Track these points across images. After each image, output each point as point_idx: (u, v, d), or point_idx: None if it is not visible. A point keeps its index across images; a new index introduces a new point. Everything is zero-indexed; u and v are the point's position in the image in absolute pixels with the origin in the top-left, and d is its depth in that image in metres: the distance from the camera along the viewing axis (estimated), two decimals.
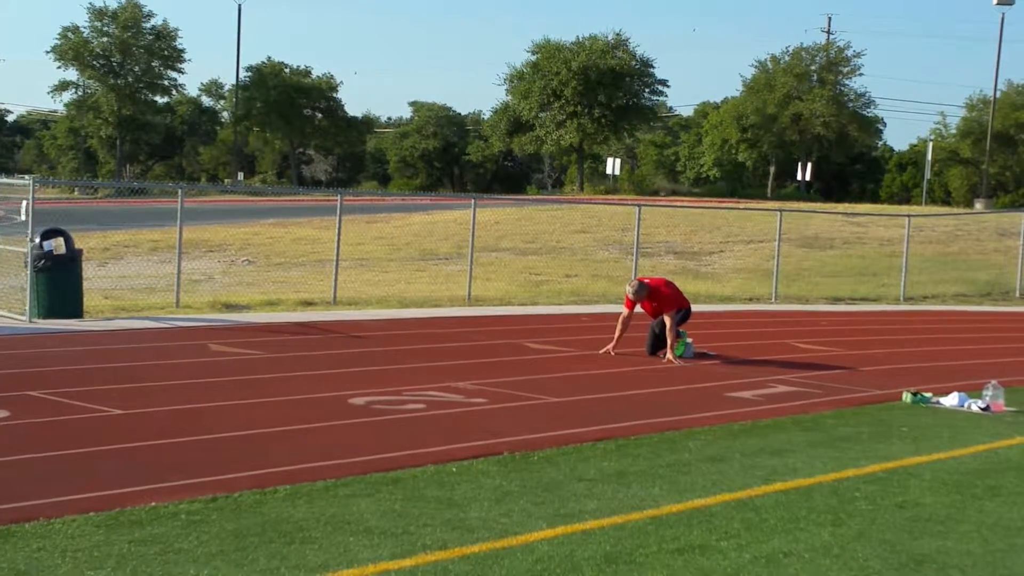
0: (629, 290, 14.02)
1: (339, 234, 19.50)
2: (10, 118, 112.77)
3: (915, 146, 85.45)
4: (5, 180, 17.11)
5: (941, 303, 25.13)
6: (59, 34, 79.86)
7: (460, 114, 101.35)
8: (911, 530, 6.94)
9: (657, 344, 14.12)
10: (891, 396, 12.04)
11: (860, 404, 11.58)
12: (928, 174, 68.78)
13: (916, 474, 8.45)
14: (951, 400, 11.67)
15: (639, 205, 24.18)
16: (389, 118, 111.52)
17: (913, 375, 13.63)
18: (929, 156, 68.14)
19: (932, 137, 79.52)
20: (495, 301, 20.33)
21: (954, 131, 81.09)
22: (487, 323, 17.26)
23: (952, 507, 7.54)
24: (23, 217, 15.68)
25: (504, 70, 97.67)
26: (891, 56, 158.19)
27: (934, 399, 11.78)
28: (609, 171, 77.81)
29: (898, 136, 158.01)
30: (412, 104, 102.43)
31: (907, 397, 11.81)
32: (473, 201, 22.35)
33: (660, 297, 14.00)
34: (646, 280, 14.36)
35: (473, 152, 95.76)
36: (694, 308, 14.90)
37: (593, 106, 78.21)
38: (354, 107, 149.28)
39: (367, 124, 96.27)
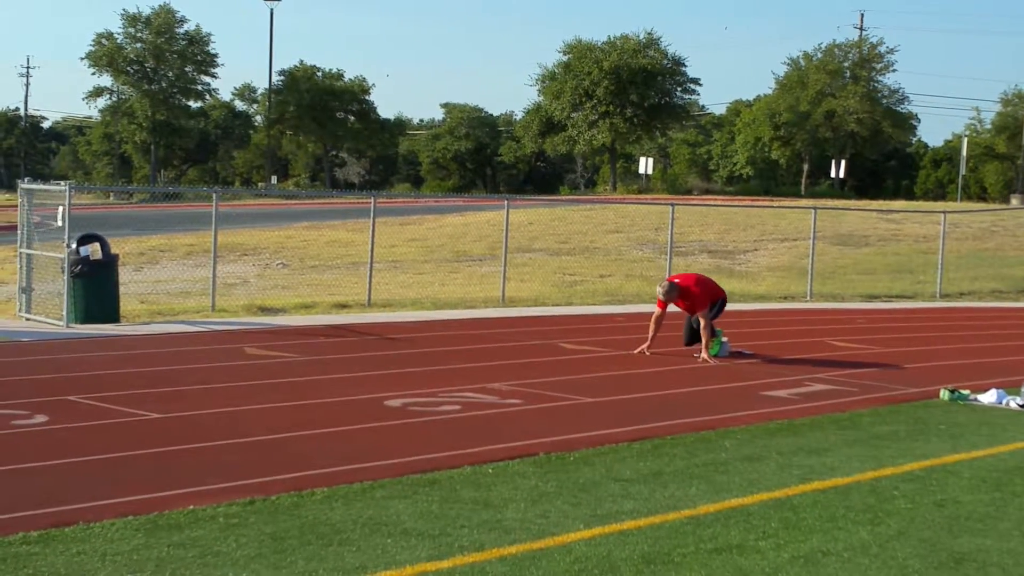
0: (660, 292, 13.99)
1: (373, 236, 19.54)
2: (45, 124, 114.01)
3: (950, 142, 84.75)
4: (41, 186, 17.26)
5: (978, 300, 24.90)
6: (93, 40, 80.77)
7: (492, 115, 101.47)
8: (950, 528, 6.88)
9: (694, 336, 14.10)
10: (928, 394, 11.94)
11: (897, 402, 11.49)
12: (963, 170, 68.17)
13: (955, 472, 8.38)
14: (989, 397, 11.57)
15: (672, 204, 24.10)
16: (421, 120, 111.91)
17: (950, 372, 13.51)
18: (964, 152, 67.52)
19: (967, 133, 78.83)
20: (529, 302, 20.32)
21: (989, 126, 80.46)
22: (521, 324, 17.26)
23: (991, 505, 7.47)
24: (59, 223, 15.82)
25: (536, 70, 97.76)
26: (925, 52, 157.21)
27: (972, 396, 11.68)
28: (642, 170, 77.66)
29: (932, 132, 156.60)
30: (444, 106, 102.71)
31: (945, 395, 11.71)
32: (506, 202, 22.34)
33: (691, 296, 13.97)
34: (676, 280, 14.30)
35: (505, 153, 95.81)
36: (729, 307, 14.84)
37: (625, 105, 78.09)
38: (386, 109, 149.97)
39: (399, 126, 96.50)
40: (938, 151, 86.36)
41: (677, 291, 13.93)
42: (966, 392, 11.76)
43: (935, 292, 24.93)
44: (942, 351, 15.86)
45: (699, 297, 13.94)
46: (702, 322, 13.78)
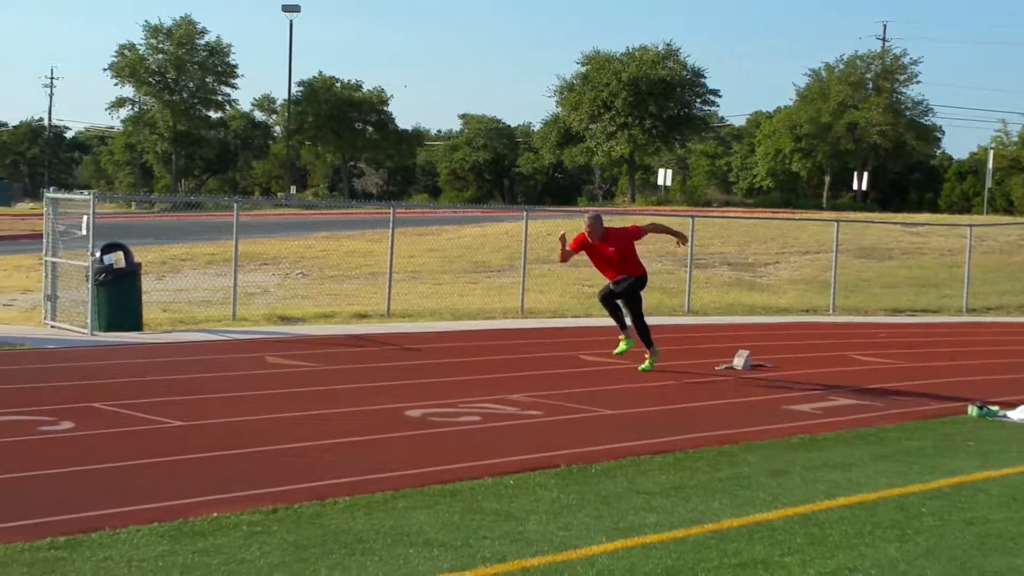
0: (585, 222, 12.62)
1: (392, 246, 19.56)
2: (69, 134, 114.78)
3: (975, 154, 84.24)
4: (66, 196, 17.33)
5: (1005, 315, 24.70)
6: (116, 52, 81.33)
7: (510, 126, 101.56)
8: (981, 547, 6.80)
9: (612, 304, 13.13)
10: (956, 409, 11.84)
11: (924, 418, 11.40)
12: (989, 183, 67.80)
13: (984, 489, 8.29)
14: (1018, 414, 11.44)
15: (693, 216, 24.02)
16: (439, 131, 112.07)
17: (978, 388, 13.39)
18: (990, 164, 67.16)
19: (993, 145, 78.29)
20: (548, 313, 20.28)
21: (1016, 138, 79.84)
22: (541, 335, 17.22)
23: (1023, 523, 7.38)
24: (84, 232, 15.89)
25: (554, 82, 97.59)
26: (949, 63, 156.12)
27: (1001, 413, 11.56)
28: (660, 182, 77.61)
29: (957, 144, 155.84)
30: (462, 117, 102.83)
31: (973, 411, 11.60)
32: (524, 213, 22.34)
33: (623, 247, 12.79)
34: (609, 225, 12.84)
35: (523, 164, 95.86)
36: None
37: (644, 117, 78.06)
38: (404, 120, 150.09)
39: (417, 137, 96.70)
40: (963, 163, 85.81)
41: (603, 229, 12.58)
42: (995, 408, 11.65)
43: (961, 307, 24.74)
44: (969, 366, 15.74)
45: (631, 260, 12.83)
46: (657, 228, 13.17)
